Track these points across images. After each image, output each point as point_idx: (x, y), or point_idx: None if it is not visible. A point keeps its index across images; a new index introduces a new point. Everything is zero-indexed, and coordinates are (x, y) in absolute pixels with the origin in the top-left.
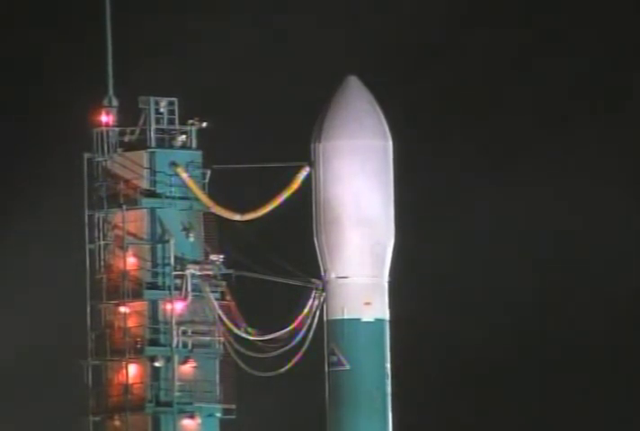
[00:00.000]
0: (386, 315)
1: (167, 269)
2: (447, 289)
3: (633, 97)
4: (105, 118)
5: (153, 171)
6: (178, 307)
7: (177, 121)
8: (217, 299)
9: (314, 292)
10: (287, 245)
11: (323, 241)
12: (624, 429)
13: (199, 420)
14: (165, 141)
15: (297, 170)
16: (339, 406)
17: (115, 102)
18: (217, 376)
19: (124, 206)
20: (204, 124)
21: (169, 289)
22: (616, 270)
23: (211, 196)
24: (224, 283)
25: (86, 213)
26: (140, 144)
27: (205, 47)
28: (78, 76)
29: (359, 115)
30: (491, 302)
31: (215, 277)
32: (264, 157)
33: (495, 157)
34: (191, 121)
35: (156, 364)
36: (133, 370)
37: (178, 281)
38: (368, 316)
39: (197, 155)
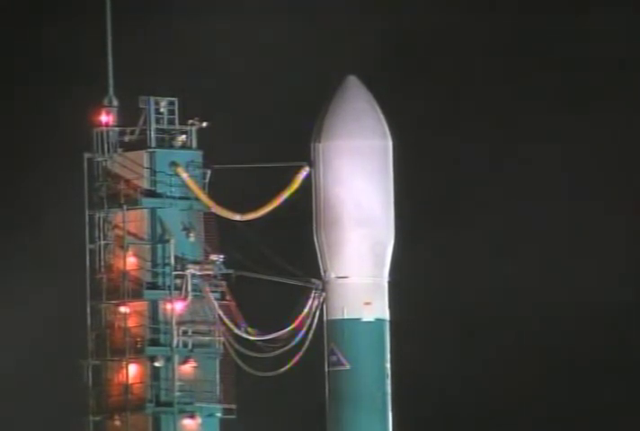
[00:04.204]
0: (386, 315)
1: (167, 269)
2: (447, 289)
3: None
4: (105, 118)
5: (153, 171)
6: (178, 307)
7: (177, 121)
8: (217, 299)
9: (314, 292)
10: (287, 245)
11: (323, 241)
12: None
13: (199, 420)
14: (165, 141)
15: (297, 170)
16: (339, 406)
17: (115, 102)
18: (218, 376)
19: (124, 206)
20: (204, 124)
21: (169, 289)
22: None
23: (211, 196)
24: (224, 283)
25: (86, 213)
26: (140, 144)
27: (205, 47)
28: (78, 76)
29: (358, 115)
30: (491, 301)
31: (215, 276)
32: (264, 157)
33: (496, 157)
34: (190, 121)
35: (156, 364)
36: (133, 370)
37: (178, 281)
38: (368, 316)
39: (197, 155)
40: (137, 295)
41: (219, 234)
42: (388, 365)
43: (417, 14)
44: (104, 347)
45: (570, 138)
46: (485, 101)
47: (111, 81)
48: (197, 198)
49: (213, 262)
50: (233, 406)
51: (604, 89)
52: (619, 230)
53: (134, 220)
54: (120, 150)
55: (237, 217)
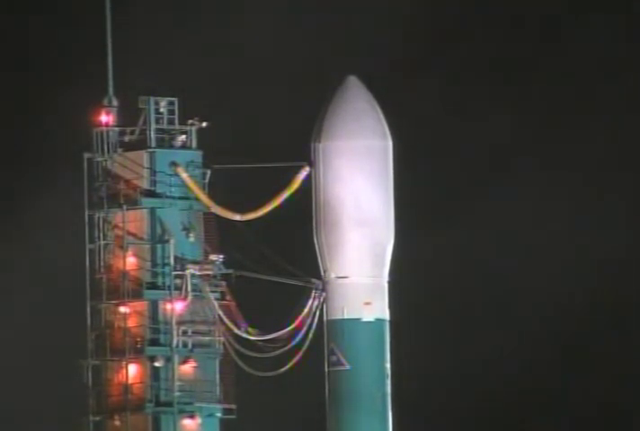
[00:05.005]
0: (386, 315)
1: (167, 269)
2: (447, 289)
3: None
4: (105, 118)
5: (153, 171)
6: (178, 307)
7: (177, 121)
8: (217, 299)
9: (314, 292)
10: (287, 245)
11: (323, 241)
12: None
13: (199, 420)
14: (165, 141)
15: (297, 170)
16: (339, 406)
17: (115, 102)
18: (217, 376)
19: (124, 206)
20: (204, 124)
21: (169, 289)
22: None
23: (211, 196)
24: (224, 283)
25: (86, 213)
26: (140, 144)
27: (205, 47)
28: (78, 76)
29: (358, 115)
30: (491, 301)
31: (215, 277)
32: (264, 157)
33: (496, 157)
34: (190, 121)
35: (156, 364)
36: (133, 370)
37: (178, 281)
38: (368, 316)
39: (197, 155)
40: (137, 295)
41: (219, 234)
42: (388, 365)
43: (417, 14)
44: (104, 347)
45: (572, 139)
46: (486, 101)
47: (110, 81)
48: (197, 198)
49: (213, 262)
50: (233, 406)
51: (605, 88)
52: (620, 229)
53: (134, 220)
54: (120, 150)
55: (237, 217)
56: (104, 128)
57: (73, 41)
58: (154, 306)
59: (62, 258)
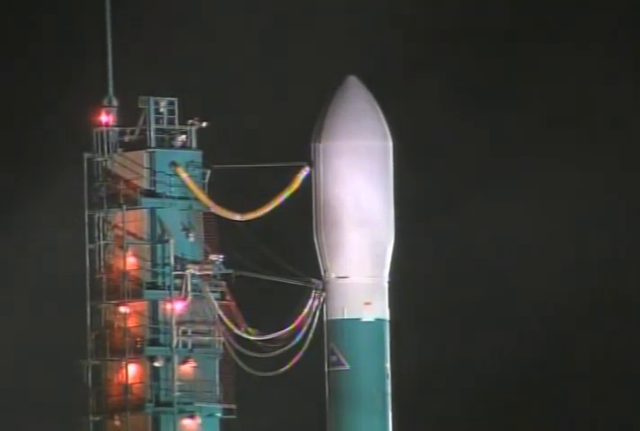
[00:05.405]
0: (386, 315)
1: (167, 269)
2: (447, 289)
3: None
4: (105, 118)
5: (153, 171)
6: (178, 307)
7: (177, 121)
8: (217, 299)
9: (314, 292)
10: (287, 245)
11: (323, 241)
12: None
13: (199, 420)
14: (165, 141)
15: (297, 170)
16: (339, 406)
17: (115, 102)
18: (217, 376)
19: (124, 206)
20: (204, 124)
21: (169, 289)
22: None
23: (211, 196)
24: (224, 283)
25: (86, 213)
26: (140, 144)
27: (205, 46)
28: (78, 76)
29: (358, 115)
30: (492, 301)
31: (215, 276)
32: (264, 157)
33: (496, 157)
34: (190, 121)
35: (156, 364)
36: (133, 370)
37: (178, 281)
38: (368, 316)
39: (197, 155)
40: (136, 295)
41: (219, 234)
42: (388, 365)
43: (417, 14)
44: (104, 347)
45: (572, 139)
46: (486, 101)
47: (110, 81)
48: (197, 198)
49: (213, 262)
50: (233, 406)
51: (605, 88)
52: (620, 229)
53: (134, 220)
54: (120, 150)
55: (237, 217)
56: (104, 128)
57: (73, 41)
58: (154, 306)
59: (62, 258)
